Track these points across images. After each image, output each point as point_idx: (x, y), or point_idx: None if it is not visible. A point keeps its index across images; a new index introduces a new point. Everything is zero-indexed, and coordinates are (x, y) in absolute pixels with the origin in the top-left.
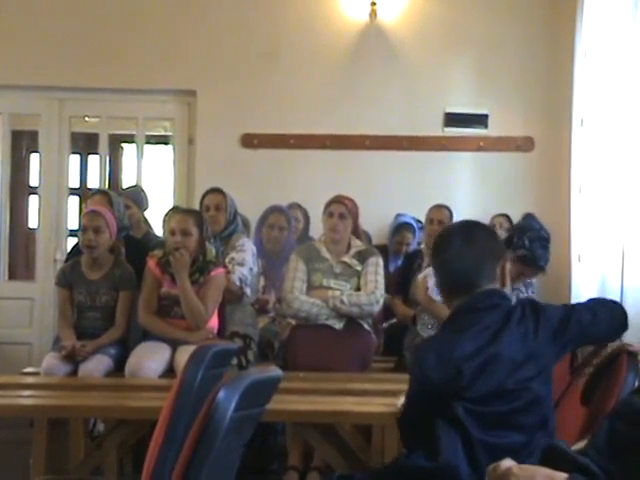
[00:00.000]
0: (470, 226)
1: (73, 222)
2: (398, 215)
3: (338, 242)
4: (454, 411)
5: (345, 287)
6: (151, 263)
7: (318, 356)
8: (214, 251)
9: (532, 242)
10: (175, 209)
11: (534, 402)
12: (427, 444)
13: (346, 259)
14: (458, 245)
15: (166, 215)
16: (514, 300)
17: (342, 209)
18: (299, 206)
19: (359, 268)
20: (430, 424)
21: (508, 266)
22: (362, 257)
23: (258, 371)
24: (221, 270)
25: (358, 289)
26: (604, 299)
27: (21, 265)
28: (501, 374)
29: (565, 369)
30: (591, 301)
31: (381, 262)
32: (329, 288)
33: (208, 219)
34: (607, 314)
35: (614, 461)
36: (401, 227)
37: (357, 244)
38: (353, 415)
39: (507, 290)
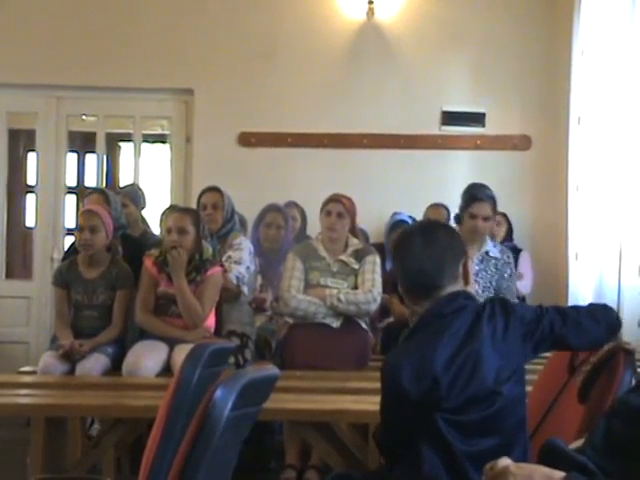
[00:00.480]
0: (429, 226)
1: (70, 221)
2: (394, 214)
3: (336, 241)
4: (434, 424)
5: (342, 285)
6: (148, 262)
7: (316, 354)
8: (211, 250)
9: (464, 193)
10: (172, 208)
11: (510, 405)
12: (407, 458)
13: (343, 258)
14: (418, 246)
15: (163, 214)
16: (480, 294)
17: (340, 208)
18: (296, 205)
19: (356, 267)
20: (409, 438)
21: (470, 263)
22: (359, 255)
23: (255, 370)
24: (218, 269)
25: (355, 287)
26: (597, 305)
27: (18, 264)
28: (477, 378)
29: (563, 367)
30: (585, 306)
31: (378, 260)
32: (326, 287)
33: (205, 217)
34: (588, 320)
35: (611, 459)
36: (397, 225)
37: (354, 242)
38: (350, 414)
39: (469, 288)
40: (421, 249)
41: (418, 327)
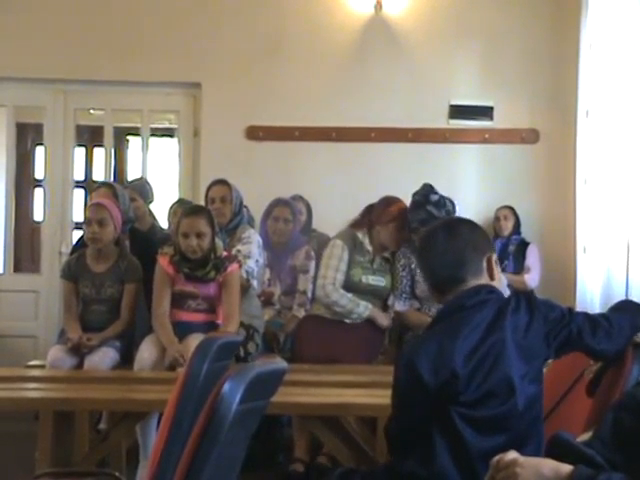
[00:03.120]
0: (453, 222)
1: (78, 215)
2: None
3: None
4: (450, 420)
5: (381, 283)
6: (163, 262)
7: (326, 348)
8: (221, 245)
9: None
10: (180, 202)
11: (527, 403)
12: (419, 452)
13: (387, 255)
14: (441, 241)
15: (171, 208)
16: (507, 293)
17: None
18: (301, 198)
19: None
20: (422, 431)
21: (494, 258)
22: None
23: (263, 363)
24: (236, 265)
25: (388, 287)
26: (627, 312)
27: (26, 258)
28: (496, 372)
29: (577, 361)
30: (615, 313)
31: None
32: (368, 285)
33: (213, 211)
34: (617, 335)
35: (619, 452)
36: None
37: None
38: (358, 407)
39: (496, 284)
40: (444, 244)
41: (439, 318)
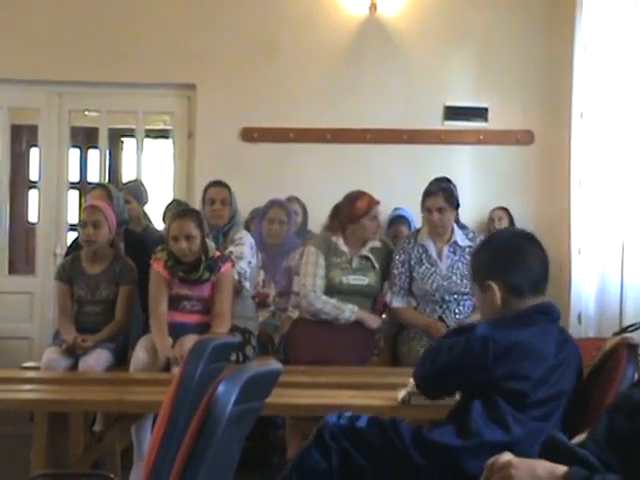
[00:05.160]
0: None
1: (73, 216)
2: (395, 209)
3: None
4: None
5: (363, 282)
6: (157, 266)
7: (319, 349)
8: (213, 246)
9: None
10: (174, 203)
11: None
12: (456, 419)
13: (365, 253)
14: (541, 250)
15: (167, 208)
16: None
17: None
18: (297, 199)
19: (377, 265)
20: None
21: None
22: (380, 254)
23: (258, 365)
24: (229, 265)
25: (375, 284)
26: None
27: (21, 259)
28: (560, 385)
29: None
30: None
31: None
32: (348, 285)
33: (212, 213)
34: None
35: (613, 453)
36: (395, 220)
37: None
38: (352, 408)
39: None
40: (541, 252)
41: (524, 319)
